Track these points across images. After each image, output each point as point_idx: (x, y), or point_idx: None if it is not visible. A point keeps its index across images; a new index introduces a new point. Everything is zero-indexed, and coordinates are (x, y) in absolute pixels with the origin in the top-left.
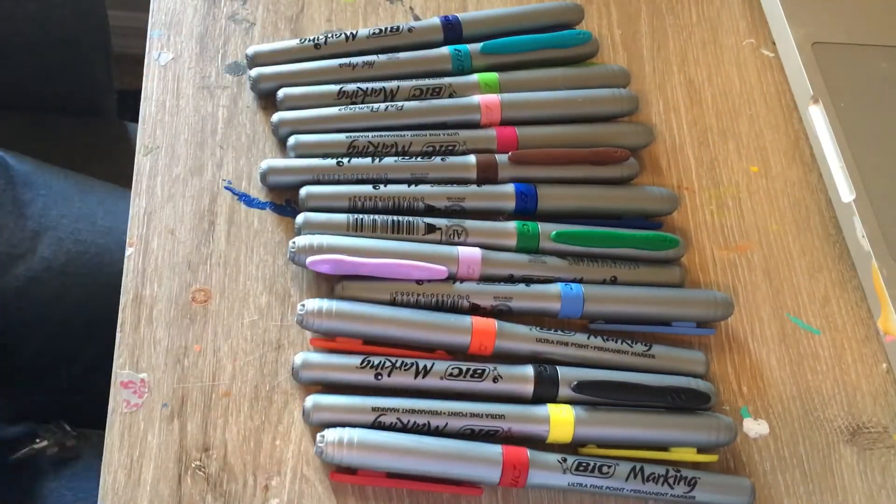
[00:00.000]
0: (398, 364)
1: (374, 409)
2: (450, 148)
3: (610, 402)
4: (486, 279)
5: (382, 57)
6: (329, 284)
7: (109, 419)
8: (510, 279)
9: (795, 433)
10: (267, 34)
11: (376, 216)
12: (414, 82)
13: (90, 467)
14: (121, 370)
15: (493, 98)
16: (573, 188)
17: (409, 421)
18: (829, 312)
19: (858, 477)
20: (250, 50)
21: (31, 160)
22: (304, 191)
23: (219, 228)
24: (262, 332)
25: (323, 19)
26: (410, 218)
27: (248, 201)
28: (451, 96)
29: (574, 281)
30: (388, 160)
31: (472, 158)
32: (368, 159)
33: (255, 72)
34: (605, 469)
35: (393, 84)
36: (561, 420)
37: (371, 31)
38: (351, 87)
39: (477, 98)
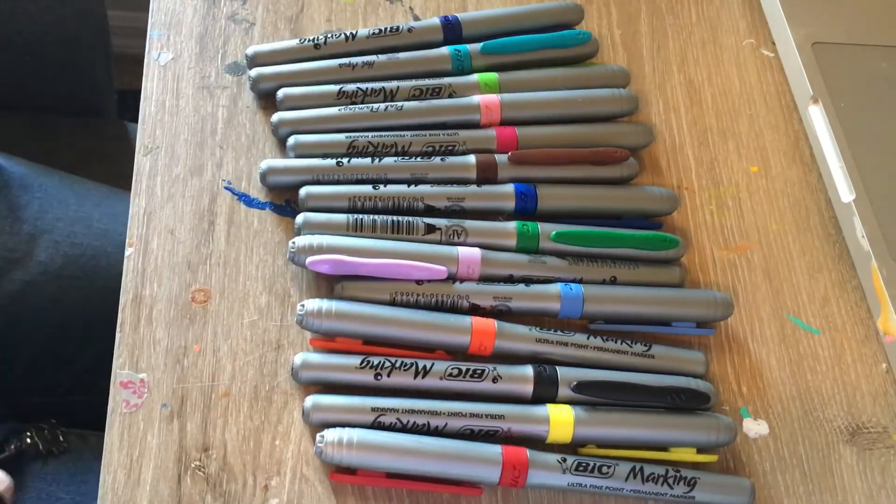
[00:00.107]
0: (398, 364)
1: (373, 410)
2: (450, 148)
3: (610, 402)
4: (485, 279)
5: (382, 57)
6: (329, 284)
7: (109, 419)
8: (510, 279)
9: (795, 433)
10: (267, 34)
11: (376, 216)
12: (414, 82)
13: (88, 469)
14: (120, 370)
15: (493, 98)
16: (573, 188)
17: (408, 421)
18: (828, 312)
19: (858, 477)
20: (250, 50)
21: (25, 162)
22: (303, 191)
23: (219, 228)
24: (262, 333)
25: (323, 19)
26: (410, 218)
27: (248, 201)
28: (450, 96)
29: (574, 281)
30: (388, 160)
31: (471, 158)
32: (368, 159)
33: (254, 72)
34: (604, 469)
35: (393, 84)
36: (561, 420)
37: (371, 31)
38: (351, 87)
39: (477, 98)
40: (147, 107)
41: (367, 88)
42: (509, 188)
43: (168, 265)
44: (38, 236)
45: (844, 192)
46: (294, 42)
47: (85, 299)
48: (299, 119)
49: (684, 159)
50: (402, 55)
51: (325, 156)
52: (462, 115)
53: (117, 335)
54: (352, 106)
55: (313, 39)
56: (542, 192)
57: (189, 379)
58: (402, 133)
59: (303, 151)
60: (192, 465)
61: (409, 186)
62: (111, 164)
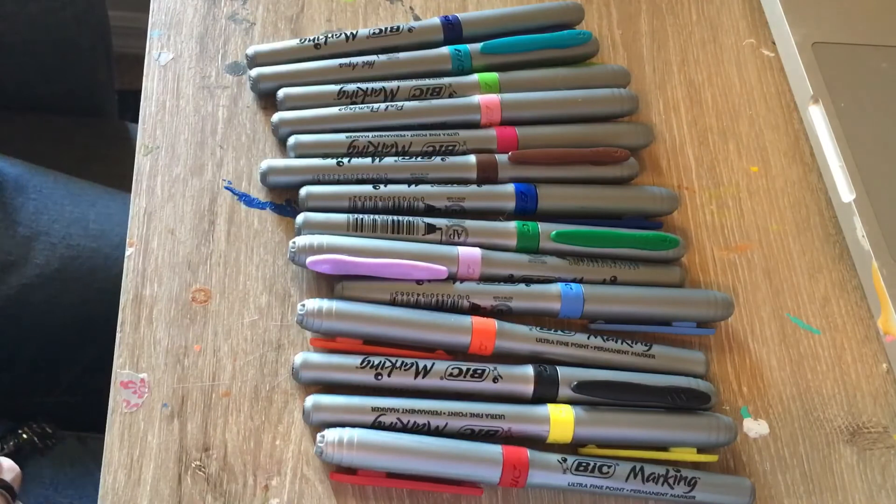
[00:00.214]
0: (398, 364)
1: (374, 409)
2: (450, 148)
3: (610, 402)
4: (486, 279)
5: (382, 57)
6: (329, 284)
7: (109, 419)
8: (510, 279)
9: (795, 433)
10: (267, 34)
11: (376, 216)
12: (414, 82)
13: (87, 472)
14: (121, 370)
15: (493, 98)
16: (573, 188)
17: (409, 421)
18: (829, 312)
19: (858, 477)
20: (250, 50)
21: (20, 163)
22: (304, 191)
23: (219, 228)
24: (262, 332)
25: (323, 19)
26: (410, 218)
27: (248, 201)
28: (451, 96)
29: (574, 281)
30: (388, 160)
31: (472, 158)
32: (368, 159)
33: (255, 72)
34: (605, 469)
35: (393, 84)
36: (561, 420)
37: (371, 31)
38: (351, 87)
39: (477, 98)
40: (147, 107)
41: (367, 88)
42: (509, 188)
43: (168, 265)
44: (34, 239)
45: (844, 192)
46: (294, 42)
47: (82, 301)
48: (299, 119)
49: (684, 159)
50: (402, 55)
51: (325, 156)
52: (462, 114)
53: (117, 335)
54: (352, 106)
55: (313, 39)
56: (543, 192)
57: (189, 379)
58: (402, 133)
59: (303, 151)
60: (193, 465)
61: (409, 186)
62: (111, 164)
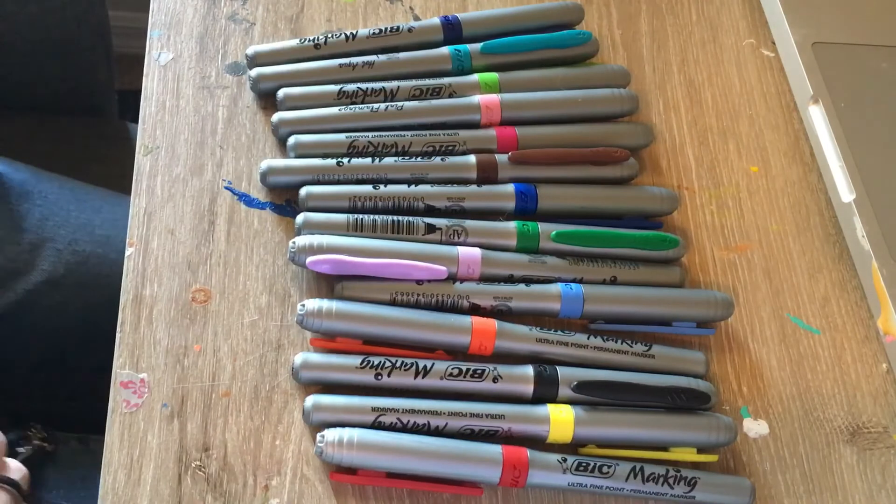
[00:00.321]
0: (398, 364)
1: (373, 409)
2: (450, 148)
3: (610, 402)
4: (486, 279)
5: (382, 57)
6: (329, 284)
7: (109, 419)
8: (510, 279)
9: (795, 433)
10: (267, 34)
11: (376, 216)
12: (414, 82)
13: (89, 476)
14: (121, 370)
15: (493, 98)
16: (573, 188)
17: (408, 421)
18: (829, 312)
19: (858, 477)
20: (250, 50)
21: (25, 168)
22: (304, 191)
23: (219, 228)
24: (262, 332)
25: (323, 19)
26: (410, 218)
27: (248, 201)
28: (451, 96)
29: (574, 281)
30: (388, 160)
31: (472, 158)
32: (368, 159)
33: (255, 72)
34: (605, 469)
35: (393, 84)
36: (561, 420)
37: (371, 31)
38: (351, 87)
39: (477, 98)
40: (147, 107)
41: (367, 88)
42: (509, 188)
43: (168, 265)
44: (40, 245)
45: (844, 192)
46: (294, 42)
47: (87, 307)
48: (299, 119)
49: (684, 159)
50: (402, 55)
51: (325, 156)
52: (462, 115)
53: (117, 335)
54: (352, 106)
55: (313, 39)
56: (543, 192)
57: (189, 379)
58: (402, 133)
59: (303, 151)
60: (193, 465)
61: (409, 186)
62: (111, 165)
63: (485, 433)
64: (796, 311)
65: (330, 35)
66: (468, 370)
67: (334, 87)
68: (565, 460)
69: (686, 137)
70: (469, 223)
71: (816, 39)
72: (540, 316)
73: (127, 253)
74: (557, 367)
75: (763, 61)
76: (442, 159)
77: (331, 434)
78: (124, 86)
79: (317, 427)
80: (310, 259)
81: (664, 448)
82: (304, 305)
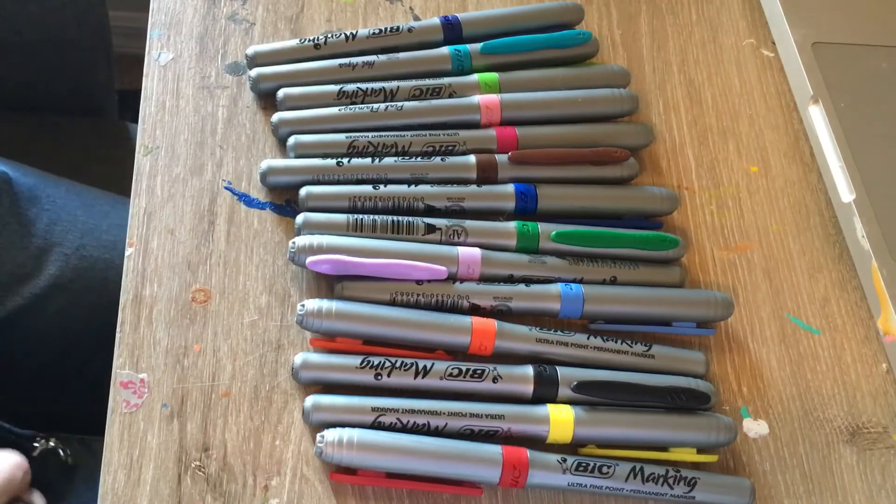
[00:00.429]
0: (398, 364)
1: (373, 410)
2: (450, 148)
3: (610, 402)
4: (485, 279)
5: (382, 57)
6: (329, 284)
7: (109, 419)
8: (510, 279)
9: (795, 433)
10: (267, 34)
11: (376, 216)
12: (414, 82)
13: (91, 478)
14: (120, 370)
15: (493, 98)
16: (573, 188)
17: (408, 421)
18: (829, 312)
19: (858, 477)
20: (250, 50)
21: (33, 172)
22: (304, 191)
23: (219, 228)
24: (262, 332)
25: (323, 19)
26: (410, 218)
27: (248, 201)
28: (451, 96)
29: (574, 281)
30: (388, 160)
31: (471, 158)
32: (368, 159)
33: (255, 72)
34: (604, 469)
35: (393, 84)
36: (561, 420)
37: (371, 31)
38: (351, 87)
39: (477, 98)
40: (147, 107)
41: (367, 88)
42: (509, 188)
43: (168, 265)
44: (48, 250)
45: (844, 192)
46: (294, 42)
47: (94, 312)
48: (299, 119)
49: (684, 159)
50: (402, 55)
51: (325, 156)
52: (462, 115)
53: (117, 335)
54: (352, 106)
55: (313, 39)
56: (542, 192)
57: (189, 379)
58: (402, 133)
59: (303, 151)
60: (193, 465)
61: (409, 186)
62: (111, 165)
63: (485, 433)
64: (796, 311)
65: (330, 35)
66: (468, 370)
67: (334, 87)
68: (565, 460)
69: (686, 137)
70: (469, 223)
71: (816, 39)
72: (540, 316)
73: (127, 253)
74: (557, 368)
75: (763, 61)
76: (442, 159)
77: (330, 434)
78: (124, 86)
79: (317, 427)
80: (310, 259)
81: (664, 448)
82: (303, 305)
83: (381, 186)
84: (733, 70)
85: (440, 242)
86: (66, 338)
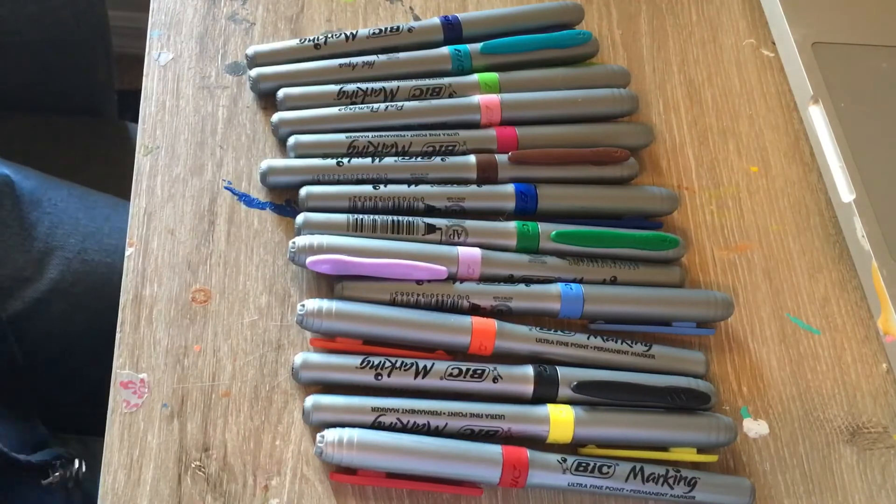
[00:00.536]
0: (398, 364)
1: (373, 410)
2: (450, 148)
3: (610, 402)
4: (486, 279)
5: (382, 57)
6: (329, 284)
7: (109, 419)
8: (510, 279)
9: (795, 433)
10: (267, 34)
11: (376, 216)
12: (414, 82)
13: (90, 477)
14: (120, 370)
15: (493, 98)
16: (573, 188)
17: (408, 421)
18: (829, 312)
19: (858, 477)
20: (250, 50)
21: (35, 174)
22: (304, 191)
23: (219, 228)
24: (262, 332)
25: (323, 19)
26: (410, 218)
27: (248, 201)
28: (451, 96)
29: (574, 281)
30: (388, 160)
31: (472, 158)
32: (368, 159)
33: (255, 72)
34: (605, 469)
35: (393, 84)
36: (561, 420)
37: (371, 31)
38: (351, 87)
39: (477, 98)
40: (147, 107)
41: (367, 88)
42: (509, 188)
43: (168, 265)
44: (50, 253)
45: (844, 192)
46: (294, 42)
47: (95, 316)
48: (299, 119)
49: (684, 159)
50: (402, 55)
51: (325, 156)
52: (462, 114)
53: (117, 335)
54: (352, 106)
55: (313, 39)
56: (543, 192)
57: (189, 379)
58: (402, 133)
59: (303, 151)
60: (193, 465)
61: (409, 186)
62: (111, 164)
63: (485, 433)
64: (796, 311)
65: (330, 35)
66: (468, 370)
67: (334, 87)
68: (565, 460)
69: (686, 137)
70: (469, 223)
71: (816, 39)
72: (540, 316)
73: (127, 253)
74: (557, 367)
75: (763, 61)
76: (442, 159)
77: (331, 434)
78: (124, 86)
79: (317, 427)
80: (310, 259)
81: (664, 448)
82: (303, 305)
83: (382, 186)
84: (733, 70)
85: (440, 242)
86: (66, 341)
